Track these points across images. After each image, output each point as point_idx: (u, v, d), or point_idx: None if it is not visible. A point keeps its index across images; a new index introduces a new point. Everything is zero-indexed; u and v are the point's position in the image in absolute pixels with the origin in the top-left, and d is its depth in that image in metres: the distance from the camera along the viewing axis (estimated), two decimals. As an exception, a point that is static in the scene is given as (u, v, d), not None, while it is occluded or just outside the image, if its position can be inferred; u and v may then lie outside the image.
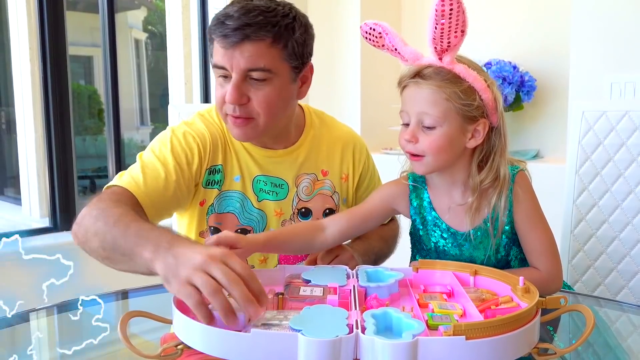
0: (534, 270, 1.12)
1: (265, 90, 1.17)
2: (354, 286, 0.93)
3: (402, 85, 1.12)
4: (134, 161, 1.25)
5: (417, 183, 1.20)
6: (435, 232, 1.17)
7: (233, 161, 1.29)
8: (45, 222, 2.60)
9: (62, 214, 2.51)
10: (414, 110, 1.09)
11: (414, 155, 1.11)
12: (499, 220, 1.12)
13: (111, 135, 2.77)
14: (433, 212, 1.17)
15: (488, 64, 2.52)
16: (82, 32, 5.52)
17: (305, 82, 1.28)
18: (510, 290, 0.93)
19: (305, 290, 0.91)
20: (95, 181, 4.90)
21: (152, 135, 3.08)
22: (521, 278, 0.91)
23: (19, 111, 2.81)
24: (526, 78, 2.51)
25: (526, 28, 2.65)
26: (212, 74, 1.27)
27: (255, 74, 1.15)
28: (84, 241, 1.06)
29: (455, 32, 1.02)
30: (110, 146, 2.79)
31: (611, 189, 1.47)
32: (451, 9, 0.99)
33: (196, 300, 0.78)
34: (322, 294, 0.90)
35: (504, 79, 2.48)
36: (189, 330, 0.78)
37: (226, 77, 1.17)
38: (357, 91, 3.04)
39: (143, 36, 6.44)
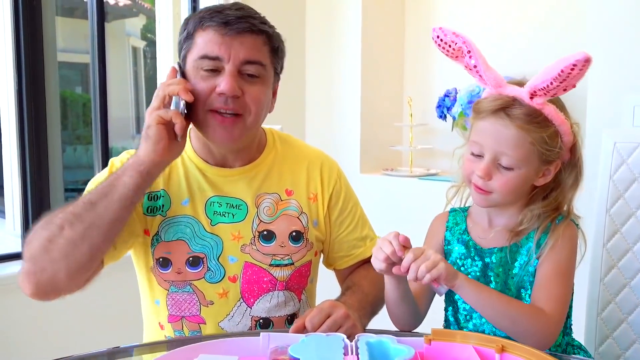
0: (538, 307, 1.03)
1: (257, 87, 1.13)
2: (353, 367, 0.75)
3: (481, 115, 1.05)
4: None
5: (457, 211, 1.19)
6: (459, 247, 1.13)
7: (180, 184, 1.20)
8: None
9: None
10: (492, 147, 1.03)
11: (480, 189, 1.05)
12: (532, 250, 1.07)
13: (98, 146, 2.61)
14: (465, 235, 1.13)
15: (499, 83, 2.35)
16: (79, 39, 5.41)
17: (275, 95, 1.23)
18: (548, 379, 0.75)
19: (291, 378, 0.73)
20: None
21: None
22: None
23: (4, 120, 2.66)
24: (539, 97, 2.34)
25: (539, 44, 2.48)
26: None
27: (251, 68, 1.12)
28: (29, 240, 1.04)
29: (566, 89, 0.97)
30: (97, 157, 2.63)
31: (647, 232, 1.29)
32: (579, 73, 0.93)
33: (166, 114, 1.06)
34: (312, 384, 0.71)
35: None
36: None
37: (215, 70, 1.11)
38: (357, 108, 2.87)
39: (141, 44, 6.33)
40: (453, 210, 1.20)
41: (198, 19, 1.12)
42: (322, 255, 1.32)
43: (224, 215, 1.19)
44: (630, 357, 1.31)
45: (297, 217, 1.23)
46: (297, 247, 1.22)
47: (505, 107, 1.02)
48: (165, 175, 1.19)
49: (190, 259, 1.17)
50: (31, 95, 2.32)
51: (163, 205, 1.18)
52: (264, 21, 1.15)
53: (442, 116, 2.52)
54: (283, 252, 1.20)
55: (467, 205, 1.18)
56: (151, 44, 6.32)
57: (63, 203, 2.77)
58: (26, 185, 2.36)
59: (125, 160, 1.16)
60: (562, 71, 0.94)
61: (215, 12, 1.11)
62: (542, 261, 1.05)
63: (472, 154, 1.06)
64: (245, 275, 1.19)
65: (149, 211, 1.18)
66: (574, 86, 0.96)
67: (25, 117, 2.32)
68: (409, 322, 1.12)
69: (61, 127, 2.86)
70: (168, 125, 1.06)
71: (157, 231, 1.17)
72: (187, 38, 1.14)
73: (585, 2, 2.20)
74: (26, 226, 2.38)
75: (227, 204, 1.20)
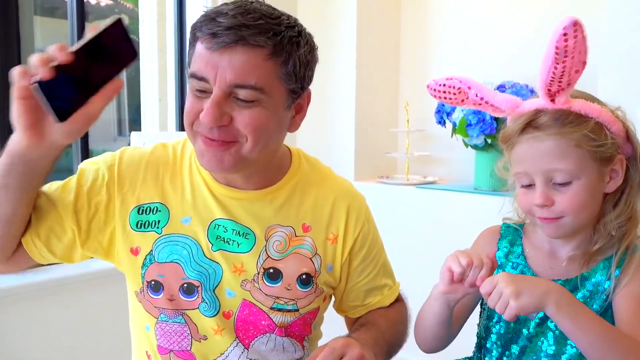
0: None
1: (253, 111, 0.93)
2: None
3: (511, 143, 0.94)
4: None
5: (511, 227, 1.05)
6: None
7: (184, 198, 1.05)
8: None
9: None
10: (538, 169, 0.91)
11: (547, 219, 0.93)
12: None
13: (78, 148, 2.48)
14: (521, 260, 1.01)
15: (501, 87, 2.25)
16: (60, 39, 5.29)
17: (300, 111, 1.04)
18: None
19: None
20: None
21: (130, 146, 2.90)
22: None
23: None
24: (544, 103, 2.24)
25: (537, 47, 2.36)
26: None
27: (242, 93, 0.92)
28: None
29: (577, 68, 0.85)
30: (76, 160, 2.48)
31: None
32: (575, 42, 0.82)
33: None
34: None
35: (519, 104, 2.22)
36: None
37: (204, 91, 0.93)
38: (351, 112, 2.77)
39: (124, 45, 6.25)
40: (507, 226, 1.06)
41: (193, 26, 0.95)
42: (332, 298, 1.17)
43: (227, 242, 1.04)
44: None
45: (310, 258, 1.07)
46: (305, 292, 1.07)
47: (530, 122, 0.92)
48: (159, 185, 1.05)
49: (185, 285, 1.03)
50: (3, 96, 2.20)
51: (159, 221, 1.03)
52: (268, 28, 0.91)
53: (442, 122, 2.42)
54: (288, 296, 1.06)
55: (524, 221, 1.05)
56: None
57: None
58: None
59: (93, 168, 1.05)
60: (557, 48, 0.83)
61: (208, 19, 0.92)
62: (621, 297, 0.91)
63: (523, 186, 0.95)
64: (241, 313, 1.04)
65: (139, 226, 1.03)
66: (584, 63, 0.85)
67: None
68: (437, 346, 1.03)
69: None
70: (32, 99, 0.76)
71: (151, 250, 1.03)
72: (190, 47, 0.97)
73: (586, 3, 2.13)
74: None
75: (234, 230, 1.04)
